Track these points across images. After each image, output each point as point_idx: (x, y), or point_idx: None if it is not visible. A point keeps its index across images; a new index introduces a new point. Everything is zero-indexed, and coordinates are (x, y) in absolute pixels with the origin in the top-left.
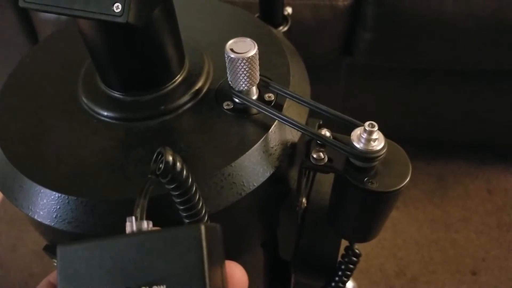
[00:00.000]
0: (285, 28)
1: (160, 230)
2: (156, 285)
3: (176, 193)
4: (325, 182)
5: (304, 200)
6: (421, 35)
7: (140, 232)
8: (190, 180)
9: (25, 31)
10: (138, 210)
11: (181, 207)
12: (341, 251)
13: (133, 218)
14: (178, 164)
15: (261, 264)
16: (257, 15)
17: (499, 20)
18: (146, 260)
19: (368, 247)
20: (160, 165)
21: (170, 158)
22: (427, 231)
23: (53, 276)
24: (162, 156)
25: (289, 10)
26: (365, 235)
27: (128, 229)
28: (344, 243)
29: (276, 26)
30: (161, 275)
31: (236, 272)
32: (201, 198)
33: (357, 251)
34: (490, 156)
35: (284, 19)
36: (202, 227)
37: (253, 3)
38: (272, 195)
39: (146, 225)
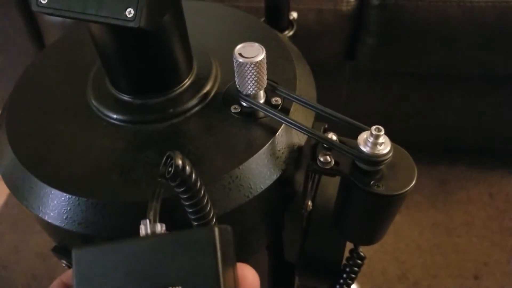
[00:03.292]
0: (291, 33)
1: (174, 233)
2: (171, 286)
3: (185, 196)
4: (330, 185)
5: (309, 203)
6: (424, 40)
7: (154, 234)
8: (199, 183)
9: (31, 34)
10: (151, 213)
11: (190, 210)
12: (346, 254)
13: (147, 221)
14: (188, 168)
15: (265, 266)
16: (262, 19)
17: (502, 25)
18: (161, 262)
19: (370, 251)
20: (170, 169)
21: (180, 162)
22: (429, 235)
23: (66, 277)
24: (171, 160)
25: (294, 14)
26: (370, 237)
27: (142, 232)
28: (348, 246)
29: (282, 30)
30: (176, 277)
31: (248, 275)
32: (209, 201)
33: (361, 254)
34: (492, 160)
35: (290, 23)
36: (216, 229)
37: (257, 7)
38: (278, 198)
39: (159, 227)
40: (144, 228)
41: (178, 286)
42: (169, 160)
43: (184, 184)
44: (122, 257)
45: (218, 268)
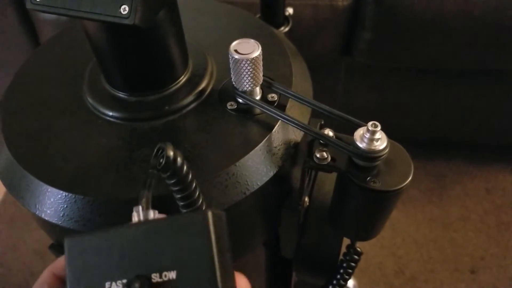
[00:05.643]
0: (286, 29)
1: (167, 218)
2: (166, 271)
3: (176, 188)
4: (327, 181)
5: (306, 199)
6: (420, 35)
7: (147, 220)
8: (190, 175)
9: (26, 32)
10: (144, 201)
11: (181, 203)
12: (343, 249)
13: (140, 207)
14: (179, 160)
15: (263, 262)
16: (258, 15)
17: (498, 20)
18: (155, 247)
19: (367, 246)
20: (161, 160)
21: (171, 153)
22: (425, 230)
23: (56, 268)
24: (162, 151)
25: (290, 10)
26: (367, 233)
27: (135, 219)
28: (345, 241)
29: (278, 26)
30: (171, 261)
31: (240, 282)
32: (201, 194)
33: (358, 249)
34: (489, 155)
35: (285, 19)
36: (210, 213)
37: (253, 3)
38: (275, 194)
39: (152, 214)
40: (137, 215)
41: (173, 270)
42: (160, 151)
43: (175, 175)
44: (115, 244)
45: (213, 250)
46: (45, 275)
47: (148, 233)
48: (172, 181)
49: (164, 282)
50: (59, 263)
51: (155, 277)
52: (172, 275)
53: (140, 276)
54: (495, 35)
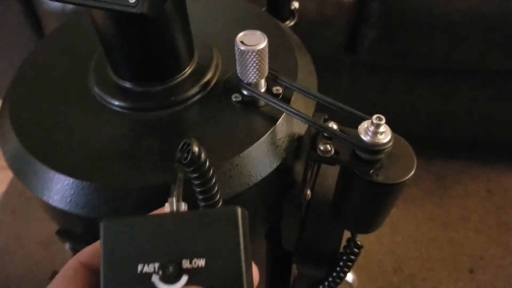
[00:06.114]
0: (292, 23)
1: (199, 211)
2: (196, 258)
3: (198, 181)
4: (329, 174)
5: (308, 192)
6: (426, 33)
7: (179, 212)
8: (212, 170)
9: (30, 23)
10: (175, 193)
11: (201, 196)
12: (343, 243)
13: (174, 199)
14: (203, 155)
15: (263, 254)
16: (264, 8)
17: (505, 19)
18: (187, 236)
19: (366, 243)
20: (186, 155)
21: (196, 149)
22: (425, 229)
23: (82, 255)
24: (188, 146)
25: (296, 4)
26: (368, 226)
27: (168, 209)
28: (345, 235)
29: (283, 20)
30: (201, 249)
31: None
32: (219, 188)
33: (358, 242)
34: (490, 155)
35: (291, 13)
36: (239, 209)
37: None
38: (277, 186)
39: (183, 206)
40: (170, 206)
41: (202, 257)
42: (185, 146)
43: (198, 170)
44: (150, 229)
45: (240, 241)
46: (71, 262)
47: (182, 223)
48: (195, 175)
49: (193, 268)
50: (86, 251)
51: (185, 263)
52: (201, 262)
53: (172, 260)
54: (502, 34)
